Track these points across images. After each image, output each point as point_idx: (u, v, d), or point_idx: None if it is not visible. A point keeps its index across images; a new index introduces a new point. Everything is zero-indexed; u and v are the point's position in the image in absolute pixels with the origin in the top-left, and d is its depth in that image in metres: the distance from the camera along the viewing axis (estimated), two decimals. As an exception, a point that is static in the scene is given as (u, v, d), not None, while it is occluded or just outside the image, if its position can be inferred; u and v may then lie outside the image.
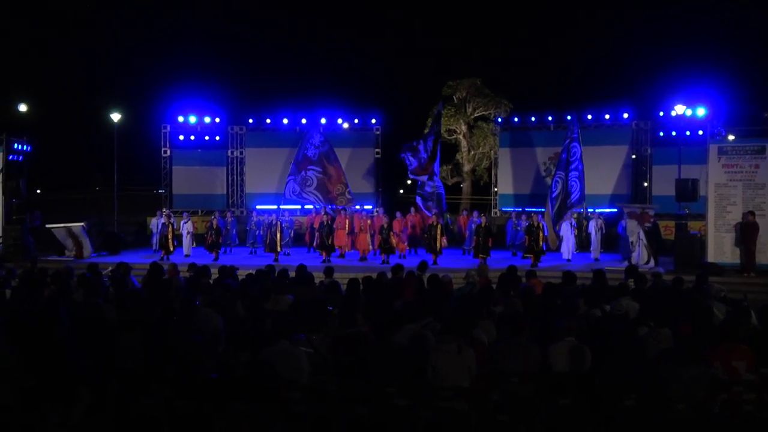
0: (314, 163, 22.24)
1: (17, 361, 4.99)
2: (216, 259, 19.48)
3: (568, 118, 24.28)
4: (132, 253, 21.75)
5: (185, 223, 21.31)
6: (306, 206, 22.68)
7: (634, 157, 24.05)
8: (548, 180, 22.02)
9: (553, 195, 19.91)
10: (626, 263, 16.40)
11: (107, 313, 7.81)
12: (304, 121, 25.53)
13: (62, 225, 20.69)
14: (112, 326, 6.93)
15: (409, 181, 32.06)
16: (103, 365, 5.70)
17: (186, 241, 21.07)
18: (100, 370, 5.55)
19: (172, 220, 20.55)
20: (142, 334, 6.46)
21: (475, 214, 21.43)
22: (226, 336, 7.28)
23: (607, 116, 24.40)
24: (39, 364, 4.91)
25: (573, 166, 20.52)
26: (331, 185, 22.36)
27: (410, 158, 21.95)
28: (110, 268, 12.90)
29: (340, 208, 22.08)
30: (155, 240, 21.50)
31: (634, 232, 18.16)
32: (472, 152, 34.71)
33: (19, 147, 21.17)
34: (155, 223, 21.76)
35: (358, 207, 22.87)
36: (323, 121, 25.77)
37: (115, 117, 24.95)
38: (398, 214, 21.41)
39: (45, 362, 4.93)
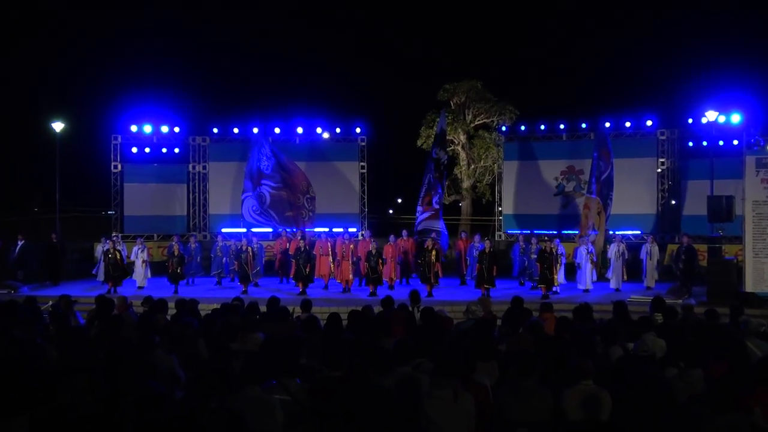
0: (268, 177, 22.36)
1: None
2: (176, 291, 19.43)
3: (584, 126, 24.55)
4: (76, 284, 21.71)
5: (140, 250, 21.27)
6: (282, 230, 22.68)
7: (659, 171, 24.18)
8: (566, 198, 21.93)
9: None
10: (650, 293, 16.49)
11: (47, 353, 7.77)
12: (277, 130, 25.50)
13: None
14: (53, 369, 6.90)
15: (399, 200, 32.02)
16: (44, 414, 5.67)
17: (140, 270, 21.03)
18: (40, 419, 5.52)
19: (119, 246, 20.51)
20: (89, 378, 6.43)
21: (476, 238, 21.45)
22: (187, 381, 7.25)
23: (627, 124, 24.44)
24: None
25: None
26: (293, 198, 22.41)
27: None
28: (50, 303, 12.84)
29: (295, 230, 22.08)
30: (100, 269, 21.41)
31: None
32: (473, 166, 34.80)
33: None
34: (101, 250, 21.64)
35: (341, 230, 22.87)
36: (300, 130, 25.87)
37: (58, 126, 24.92)
38: (392, 238, 21.45)
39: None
